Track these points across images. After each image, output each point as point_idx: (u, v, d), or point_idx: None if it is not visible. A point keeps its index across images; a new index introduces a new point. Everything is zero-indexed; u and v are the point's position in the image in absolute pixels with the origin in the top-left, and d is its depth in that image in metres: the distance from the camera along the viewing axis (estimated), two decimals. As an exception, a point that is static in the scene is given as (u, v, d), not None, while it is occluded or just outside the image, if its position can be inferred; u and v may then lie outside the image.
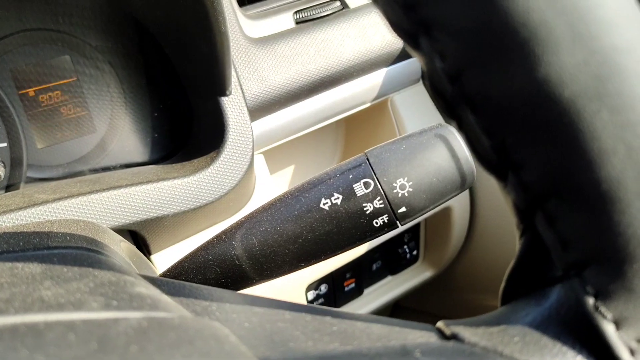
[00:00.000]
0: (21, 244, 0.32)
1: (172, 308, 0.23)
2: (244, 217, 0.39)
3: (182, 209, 0.61)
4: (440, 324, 0.25)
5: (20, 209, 0.54)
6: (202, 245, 0.40)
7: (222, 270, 0.39)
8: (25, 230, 0.36)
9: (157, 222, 0.61)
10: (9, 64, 0.65)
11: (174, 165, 0.68)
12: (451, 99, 0.22)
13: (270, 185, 0.74)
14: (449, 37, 0.20)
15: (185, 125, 0.72)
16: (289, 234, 0.37)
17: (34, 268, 0.26)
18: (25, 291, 0.22)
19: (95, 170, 0.70)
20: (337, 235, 0.37)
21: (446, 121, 0.86)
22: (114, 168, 0.71)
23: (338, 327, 0.24)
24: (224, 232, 0.39)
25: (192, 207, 0.62)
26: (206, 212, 0.64)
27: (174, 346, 0.18)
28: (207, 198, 0.63)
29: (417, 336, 0.24)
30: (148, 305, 0.23)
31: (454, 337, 0.23)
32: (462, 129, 0.23)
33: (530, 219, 0.23)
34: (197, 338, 0.19)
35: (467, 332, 0.23)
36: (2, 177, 0.61)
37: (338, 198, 0.37)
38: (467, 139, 0.23)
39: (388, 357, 0.21)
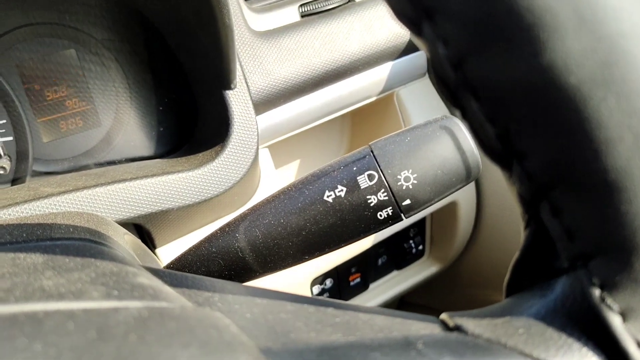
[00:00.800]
0: (24, 235, 0.32)
1: (173, 298, 0.23)
2: (248, 209, 0.39)
3: (186, 202, 0.61)
4: (443, 315, 0.25)
5: (25, 202, 0.54)
6: (205, 238, 0.40)
7: (225, 262, 0.39)
8: (28, 222, 0.36)
9: (162, 216, 0.61)
10: (14, 59, 0.65)
11: (179, 159, 0.68)
12: (454, 86, 0.21)
13: (276, 179, 0.74)
14: (452, 23, 0.20)
15: (191, 119, 0.72)
16: (292, 227, 0.37)
17: (36, 258, 0.26)
18: (27, 281, 0.22)
19: (100, 164, 0.70)
20: (341, 228, 0.37)
21: (451, 112, 0.84)
22: (119, 162, 0.71)
23: (341, 319, 0.24)
24: (228, 225, 0.39)
25: (197, 200, 0.62)
26: (211, 205, 0.64)
27: (173, 335, 0.18)
28: (211, 192, 0.63)
29: (420, 327, 0.23)
30: (149, 295, 0.23)
31: (458, 328, 0.23)
32: (466, 117, 0.23)
33: (535, 209, 0.23)
34: (197, 327, 0.19)
35: (470, 324, 0.23)
36: (8, 170, 0.62)
37: (342, 190, 0.37)
38: (471, 127, 0.23)
39: (390, 348, 0.21)
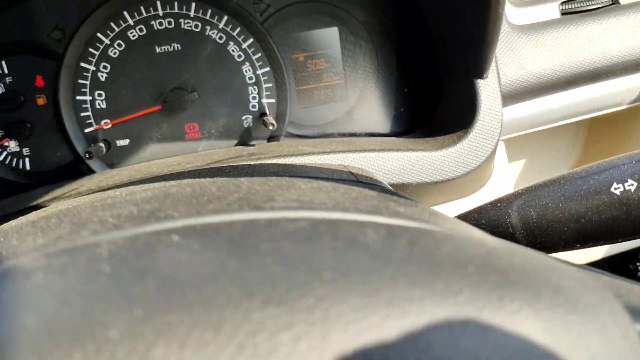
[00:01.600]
0: (322, 174, 0.37)
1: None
2: (522, 189, 0.40)
3: (425, 180, 0.64)
4: None
5: (290, 155, 0.62)
6: (474, 209, 0.42)
7: (494, 235, 0.40)
8: (323, 167, 0.41)
9: (401, 189, 0.64)
10: (287, 31, 0.73)
11: (416, 139, 0.70)
12: None
13: (507, 173, 0.73)
14: None
15: (430, 103, 0.74)
16: (571, 213, 0.37)
17: (350, 192, 0.30)
18: (380, 204, 0.26)
19: (343, 135, 0.76)
20: (625, 222, 0.36)
21: None
22: (360, 135, 0.76)
23: None
24: (499, 200, 0.41)
25: (435, 180, 0.64)
26: (445, 187, 0.66)
27: (536, 269, 0.20)
28: (449, 174, 0.64)
29: None
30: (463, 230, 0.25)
31: None
32: None
33: None
34: (548, 268, 0.21)
35: None
36: (275, 127, 0.70)
37: (632, 185, 0.36)
38: None
39: None
